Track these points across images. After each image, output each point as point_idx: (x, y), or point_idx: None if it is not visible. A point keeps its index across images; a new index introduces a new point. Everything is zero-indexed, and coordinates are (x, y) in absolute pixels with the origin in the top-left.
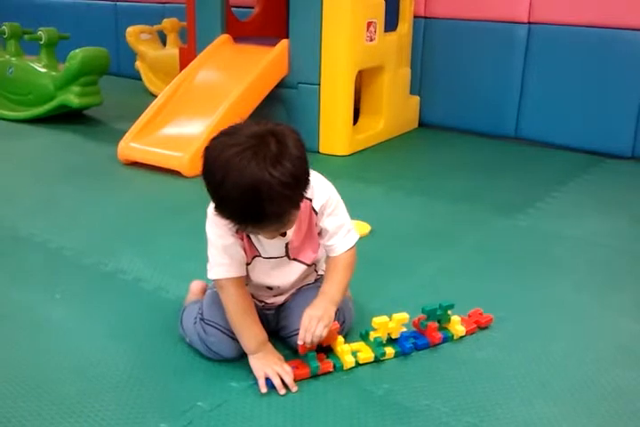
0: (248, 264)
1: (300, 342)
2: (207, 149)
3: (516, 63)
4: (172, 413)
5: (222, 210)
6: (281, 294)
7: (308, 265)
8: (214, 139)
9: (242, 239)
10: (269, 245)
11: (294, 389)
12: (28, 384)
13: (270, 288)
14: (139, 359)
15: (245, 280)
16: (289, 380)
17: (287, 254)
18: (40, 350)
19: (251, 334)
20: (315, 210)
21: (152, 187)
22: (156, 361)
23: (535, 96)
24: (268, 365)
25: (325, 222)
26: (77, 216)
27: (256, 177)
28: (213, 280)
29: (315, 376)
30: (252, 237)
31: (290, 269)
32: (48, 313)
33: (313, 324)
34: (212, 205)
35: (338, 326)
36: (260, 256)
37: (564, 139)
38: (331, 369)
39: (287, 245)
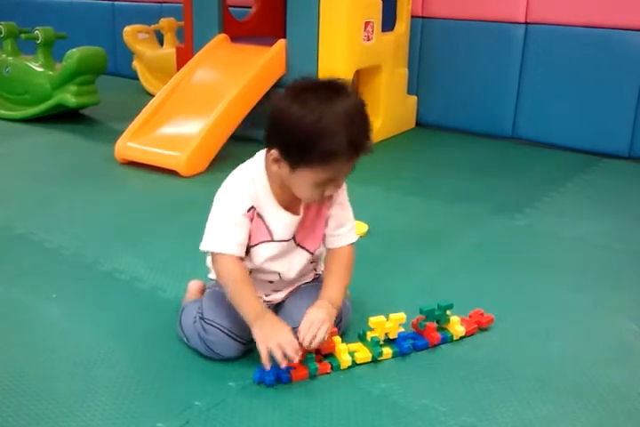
0: (253, 246)
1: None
2: (281, 110)
3: (513, 63)
4: (170, 412)
5: (327, 151)
6: (280, 291)
7: (311, 253)
8: (282, 103)
9: (251, 221)
10: (281, 224)
11: (296, 359)
12: (23, 384)
13: (271, 282)
14: (136, 359)
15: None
16: (290, 351)
17: (294, 237)
18: (36, 349)
19: (249, 303)
20: None
21: (149, 186)
22: (153, 361)
23: (532, 96)
24: (270, 336)
25: (335, 210)
26: (74, 216)
27: (350, 104)
28: (211, 252)
29: (312, 376)
30: (264, 218)
31: (294, 256)
32: (44, 313)
33: (315, 326)
34: (234, 179)
35: (335, 330)
36: (268, 241)
37: (562, 139)
38: (328, 371)
39: (296, 228)
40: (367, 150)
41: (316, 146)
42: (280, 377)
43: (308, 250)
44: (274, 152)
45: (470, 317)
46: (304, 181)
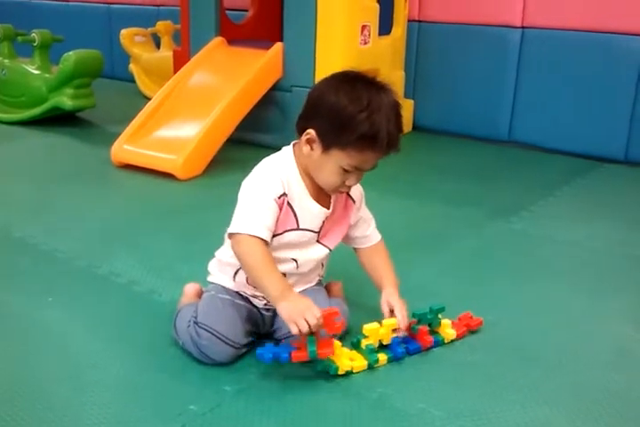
0: (278, 235)
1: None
2: (327, 93)
3: (509, 67)
4: (165, 416)
5: (366, 136)
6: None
7: (329, 249)
8: (328, 87)
9: (280, 209)
10: (309, 213)
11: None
12: (20, 388)
13: (284, 275)
14: (131, 363)
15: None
16: (314, 324)
17: (318, 231)
18: (32, 353)
19: (274, 280)
20: (351, 197)
21: (145, 189)
22: (148, 364)
23: (528, 100)
24: (298, 312)
25: (362, 212)
26: (70, 219)
27: (391, 101)
28: (234, 234)
29: (311, 375)
30: (293, 206)
31: (313, 250)
32: (40, 316)
33: (404, 309)
34: (265, 166)
35: (337, 310)
36: (293, 230)
37: (558, 143)
38: (330, 355)
39: (324, 220)
40: (397, 149)
41: (357, 129)
42: (279, 357)
43: (327, 246)
44: (310, 131)
45: (459, 320)
46: (332, 165)
